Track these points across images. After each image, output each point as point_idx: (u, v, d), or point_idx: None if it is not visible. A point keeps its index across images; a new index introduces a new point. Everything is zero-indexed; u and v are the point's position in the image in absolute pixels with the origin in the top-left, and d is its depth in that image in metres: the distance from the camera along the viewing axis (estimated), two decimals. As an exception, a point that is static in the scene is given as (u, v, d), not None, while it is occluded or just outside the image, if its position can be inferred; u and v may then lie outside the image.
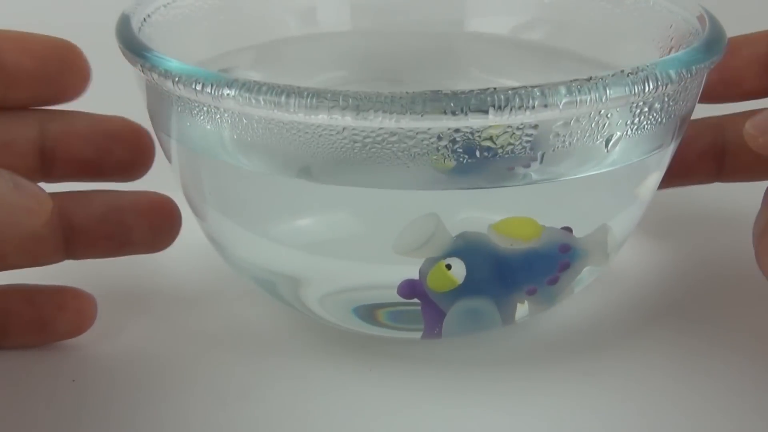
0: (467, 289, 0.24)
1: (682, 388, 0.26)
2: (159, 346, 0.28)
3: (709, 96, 0.27)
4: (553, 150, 0.22)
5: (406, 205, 0.23)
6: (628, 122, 0.22)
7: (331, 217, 0.25)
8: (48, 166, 0.27)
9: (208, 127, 0.23)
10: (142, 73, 0.23)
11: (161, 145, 0.26)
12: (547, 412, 0.25)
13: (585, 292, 0.29)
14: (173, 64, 0.22)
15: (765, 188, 0.27)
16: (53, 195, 0.25)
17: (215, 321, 0.29)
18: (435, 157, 0.21)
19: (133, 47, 0.23)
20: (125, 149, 0.27)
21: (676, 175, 0.29)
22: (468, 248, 0.24)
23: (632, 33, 0.30)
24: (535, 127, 0.21)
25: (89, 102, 0.26)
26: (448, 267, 0.24)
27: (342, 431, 0.25)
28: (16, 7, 0.43)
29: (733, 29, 0.28)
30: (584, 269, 0.25)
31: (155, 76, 0.22)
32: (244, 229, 0.26)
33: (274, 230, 0.26)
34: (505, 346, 0.28)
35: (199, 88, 0.21)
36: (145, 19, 0.25)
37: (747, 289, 0.30)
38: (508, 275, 0.24)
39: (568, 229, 0.24)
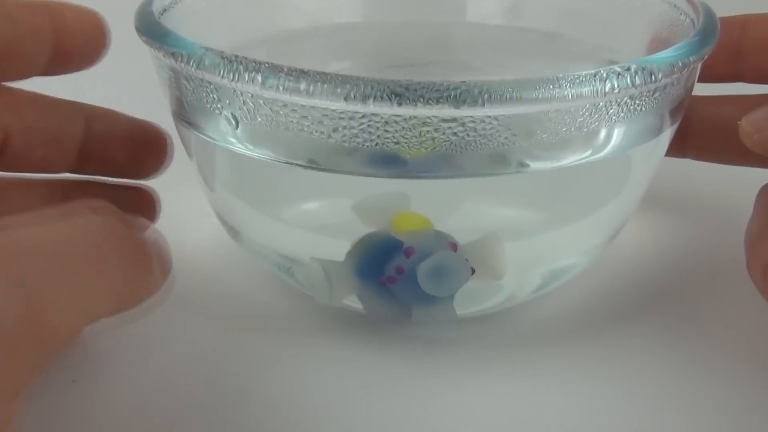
0: (346, 259, 0.25)
1: (677, 376, 0.27)
2: (159, 343, 0.28)
3: None
4: (535, 141, 0.22)
5: (413, 190, 0.24)
6: (612, 115, 0.23)
7: (337, 201, 0.26)
8: (83, 162, 0.28)
9: (221, 114, 0.23)
10: (163, 61, 0.23)
11: (177, 131, 0.27)
12: (544, 396, 0.26)
13: (579, 279, 0.29)
14: (190, 45, 0.22)
15: (757, 192, 0.28)
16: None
17: (219, 316, 0.29)
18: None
19: (153, 32, 0.24)
20: (154, 157, 0.29)
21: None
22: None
23: (634, 22, 0.31)
24: (510, 117, 0.22)
25: (103, 93, 0.26)
26: None
27: (355, 409, 0.25)
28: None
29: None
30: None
31: (175, 61, 0.23)
32: (263, 214, 0.27)
33: (285, 213, 0.27)
34: (514, 328, 0.29)
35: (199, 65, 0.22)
36: (161, 13, 0.26)
37: (740, 279, 0.30)
38: (366, 259, 0.25)
39: (453, 245, 0.25)
